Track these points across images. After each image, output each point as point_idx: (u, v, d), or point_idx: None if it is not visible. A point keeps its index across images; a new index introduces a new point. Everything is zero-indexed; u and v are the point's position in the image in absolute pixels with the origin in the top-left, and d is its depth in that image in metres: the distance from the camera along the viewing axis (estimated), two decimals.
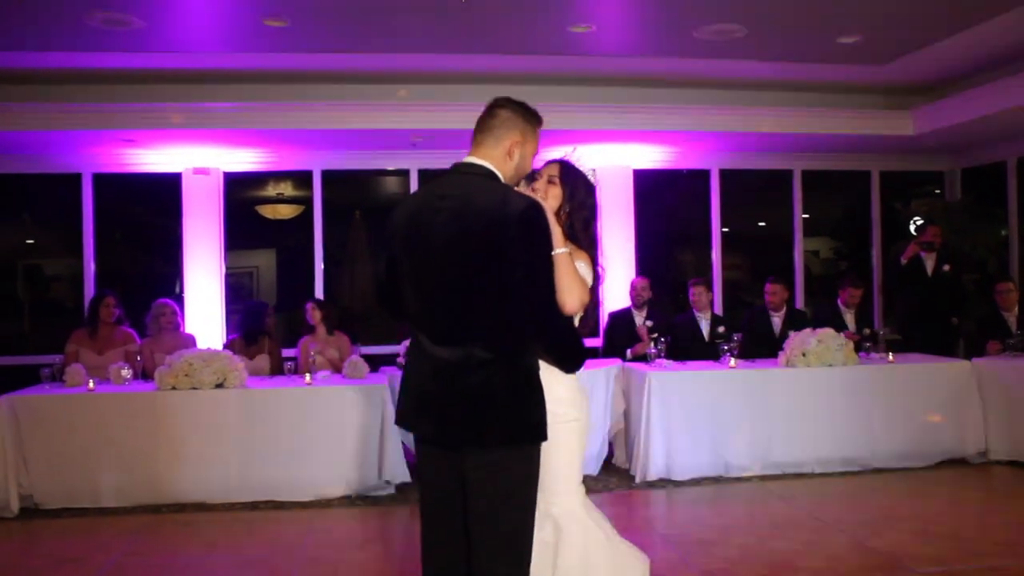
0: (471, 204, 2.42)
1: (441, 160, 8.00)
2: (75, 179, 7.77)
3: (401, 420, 2.60)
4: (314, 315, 6.50)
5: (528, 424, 2.39)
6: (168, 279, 8.14)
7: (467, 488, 2.41)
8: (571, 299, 2.54)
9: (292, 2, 5.08)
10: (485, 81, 6.88)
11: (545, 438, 2.44)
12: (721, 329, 6.41)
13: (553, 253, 2.47)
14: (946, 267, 7.29)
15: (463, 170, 2.54)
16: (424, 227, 2.45)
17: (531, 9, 5.22)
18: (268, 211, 8.65)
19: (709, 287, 7.15)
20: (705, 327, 6.92)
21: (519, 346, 2.42)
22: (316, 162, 8.02)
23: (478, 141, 2.57)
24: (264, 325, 6.59)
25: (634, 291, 7.25)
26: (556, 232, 2.57)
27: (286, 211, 8.69)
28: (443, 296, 2.42)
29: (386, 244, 2.58)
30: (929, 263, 7.32)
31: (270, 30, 5.48)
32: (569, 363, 2.63)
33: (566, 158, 2.93)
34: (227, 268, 7.99)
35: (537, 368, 2.48)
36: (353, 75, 6.70)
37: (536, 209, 2.40)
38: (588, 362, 6.68)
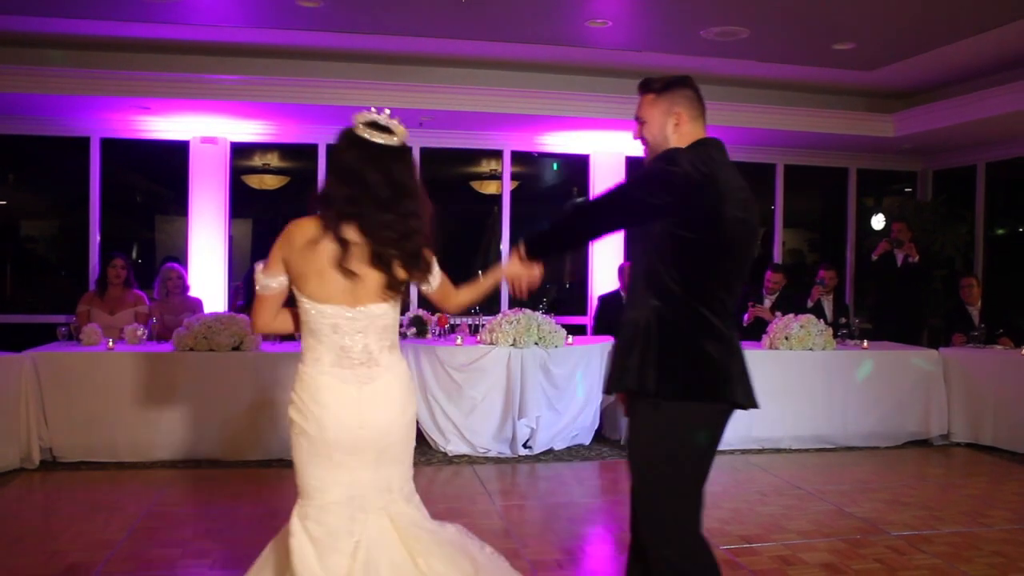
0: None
1: (445, 140, 8.30)
2: (74, 143, 7.86)
3: (752, 396, 2.50)
4: None
5: None
6: (171, 244, 8.32)
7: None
8: None
9: None
10: (494, 67, 7.17)
11: None
12: None
13: None
14: (913, 258, 7.73)
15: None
16: (749, 207, 2.49)
17: (555, 4, 5.52)
18: (254, 181, 8.78)
19: None
20: None
21: None
22: (322, 135, 8.22)
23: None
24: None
25: (623, 275, 7.62)
26: None
27: (272, 182, 8.83)
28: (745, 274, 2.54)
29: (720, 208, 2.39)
30: (899, 258, 7.80)
31: (297, 9, 5.69)
32: None
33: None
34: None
35: None
36: (369, 55, 6.92)
37: None
38: (583, 339, 6.99)
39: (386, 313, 2.53)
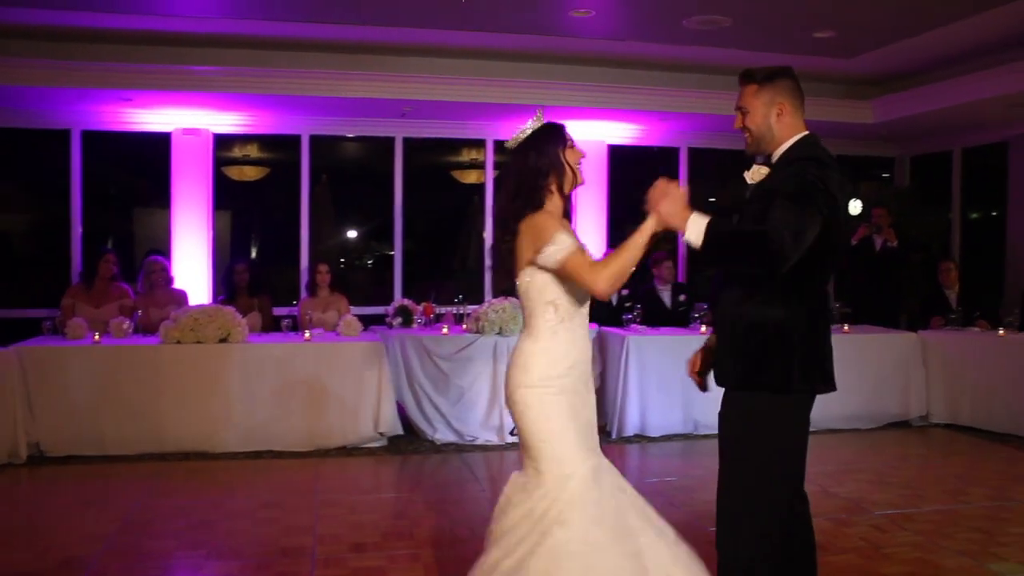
0: None
1: (427, 129, 8.30)
2: (55, 135, 7.77)
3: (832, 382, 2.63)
4: (324, 277, 6.77)
5: None
6: (151, 237, 8.26)
7: None
8: None
9: None
10: (476, 56, 7.18)
11: None
12: (682, 298, 6.80)
13: None
14: (891, 243, 7.85)
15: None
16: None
17: None
18: (234, 172, 8.69)
19: (674, 260, 7.55)
20: (667, 297, 7.35)
21: None
22: (305, 126, 8.18)
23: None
24: (235, 283, 6.82)
25: None
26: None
27: (252, 173, 8.76)
28: None
29: (835, 202, 2.47)
30: (877, 243, 7.92)
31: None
32: None
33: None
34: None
35: None
36: (352, 45, 6.91)
37: None
38: None
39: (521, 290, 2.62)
